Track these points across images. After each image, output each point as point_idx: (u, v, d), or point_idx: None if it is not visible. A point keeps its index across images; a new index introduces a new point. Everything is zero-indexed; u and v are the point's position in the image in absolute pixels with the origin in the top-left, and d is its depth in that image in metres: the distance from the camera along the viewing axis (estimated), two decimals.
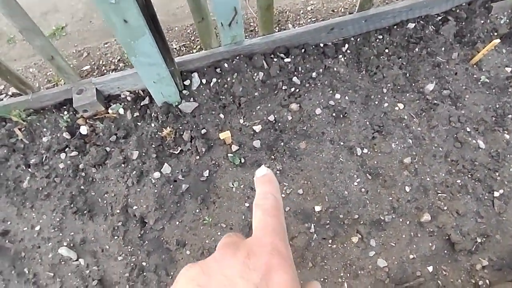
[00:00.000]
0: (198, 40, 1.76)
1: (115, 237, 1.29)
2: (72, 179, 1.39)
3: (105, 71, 1.69)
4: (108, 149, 1.44)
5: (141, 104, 1.53)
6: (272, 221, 0.33)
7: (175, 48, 1.71)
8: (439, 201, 1.33)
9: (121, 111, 1.51)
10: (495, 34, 1.68)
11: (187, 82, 1.52)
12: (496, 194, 1.35)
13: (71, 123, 1.50)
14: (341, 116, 1.48)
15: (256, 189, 0.38)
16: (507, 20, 1.71)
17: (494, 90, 1.56)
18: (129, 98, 1.54)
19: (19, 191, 1.39)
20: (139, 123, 1.49)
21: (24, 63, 1.75)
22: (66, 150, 1.45)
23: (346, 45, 1.64)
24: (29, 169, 1.43)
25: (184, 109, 1.49)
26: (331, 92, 1.52)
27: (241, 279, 0.28)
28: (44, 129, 1.50)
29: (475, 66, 1.61)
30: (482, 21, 1.69)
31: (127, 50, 1.17)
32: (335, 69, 1.57)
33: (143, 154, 1.42)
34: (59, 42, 1.79)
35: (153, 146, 1.43)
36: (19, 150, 1.47)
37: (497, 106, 1.52)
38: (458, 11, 1.72)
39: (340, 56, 1.61)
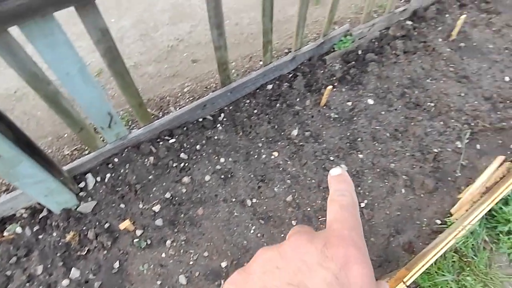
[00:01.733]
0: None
1: None
2: None
3: None
4: (8, 273, 1.43)
5: (40, 217, 1.57)
6: (349, 216, 0.33)
7: (67, 154, 1.81)
8: (321, 225, 1.58)
9: (19, 230, 1.53)
10: (334, 78, 2.14)
11: (82, 184, 1.63)
12: (362, 205, 1.66)
13: None
14: (229, 176, 1.71)
15: (330, 187, 0.37)
16: (340, 66, 2.19)
17: (343, 122, 1.95)
18: (25, 215, 1.57)
19: None
20: (40, 236, 1.52)
21: None
22: None
23: (222, 115, 1.93)
24: None
25: (84, 210, 1.57)
26: (216, 158, 1.76)
27: (320, 267, 0.27)
28: None
29: (325, 107, 2.00)
30: (322, 71, 2.14)
31: (9, 179, 1.26)
32: (215, 137, 1.83)
33: (49, 266, 1.44)
34: None
35: (58, 254, 1.47)
36: None
37: (348, 134, 1.90)
38: (302, 67, 2.15)
39: (218, 125, 1.88)
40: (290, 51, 2.29)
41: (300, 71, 2.13)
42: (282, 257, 0.29)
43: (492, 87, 2.16)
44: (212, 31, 1.57)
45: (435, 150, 1.86)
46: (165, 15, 2.45)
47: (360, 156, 1.82)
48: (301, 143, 1.84)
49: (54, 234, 1.51)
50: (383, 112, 2.00)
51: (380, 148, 1.86)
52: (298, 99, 2.01)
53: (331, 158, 1.80)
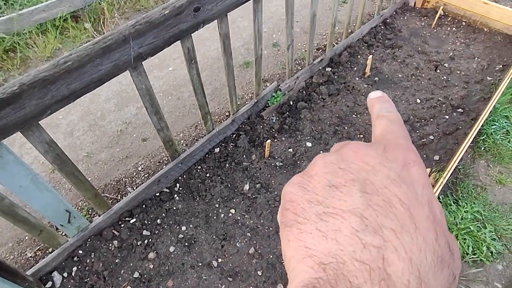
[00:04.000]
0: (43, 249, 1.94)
1: None
2: None
3: None
4: None
5: None
6: (400, 129, 0.33)
7: (31, 256, 1.84)
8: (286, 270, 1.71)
9: None
10: (273, 129, 2.38)
11: (49, 284, 1.65)
12: None
13: None
14: (192, 242, 1.81)
15: (373, 107, 0.37)
16: (277, 118, 2.45)
17: (288, 168, 2.16)
18: None
19: None
20: None
21: None
22: None
23: (177, 185, 2.07)
24: None
25: None
26: (177, 227, 1.87)
27: (383, 166, 0.27)
28: None
29: (269, 158, 2.22)
30: (261, 126, 2.39)
31: None
32: (174, 208, 1.95)
33: None
34: None
35: None
36: None
37: None
38: (243, 126, 2.39)
39: (175, 195, 2.02)
40: (230, 114, 2.55)
41: (242, 130, 2.36)
42: (343, 159, 0.29)
43: (408, 111, 2.51)
44: (151, 117, 1.76)
45: None
46: (111, 102, 2.64)
47: None
48: (254, 196, 2.00)
49: None
50: (321, 151, 2.25)
51: None
52: (244, 156, 2.22)
53: None
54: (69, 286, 1.65)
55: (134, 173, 2.21)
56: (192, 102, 2.66)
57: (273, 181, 2.08)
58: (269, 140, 2.11)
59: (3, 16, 2.99)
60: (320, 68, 2.84)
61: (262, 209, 1.94)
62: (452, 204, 2.00)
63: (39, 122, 1.31)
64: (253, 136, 2.32)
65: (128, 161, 2.28)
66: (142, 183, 2.03)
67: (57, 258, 1.70)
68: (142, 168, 2.24)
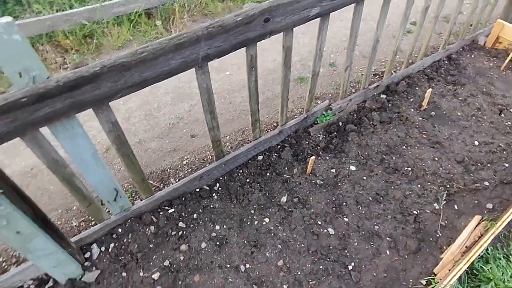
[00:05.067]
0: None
1: None
2: None
3: (5, 266, 1.82)
4: None
5: None
6: None
7: (75, 225, 1.97)
8: None
9: None
10: (318, 147, 2.37)
11: (88, 254, 1.76)
12: (350, 267, 1.76)
13: None
14: (223, 242, 1.84)
15: None
16: (323, 137, 2.44)
17: (328, 188, 2.13)
18: (32, 286, 1.68)
19: None
20: None
21: None
22: None
23: (217, 184, 2.12)
24: None
25: (88, 279, 1.68)
26: (212, 225, 1.91)
27: None
28: None
29: (311, 174, 2.20)
30: (307, 142, 2.39)
31: (23, 252, 1.41)
32: (211, 206, 2.00)
33: None
34: None
35: None
36: None
37: (334, 198, 2.07)
38: (289, 139, 2.40)
39: (214, 194, 2.07)
40: (278, 125, 2.57)
41: (287, 143, 2.38)
42: None
43: (463, 151, 2.38)
44: (206, 115, 1.84)
45: (415, 212, 2.01)
46: (168, 96, 2.79)
47: (346, 219, 1.96)
48: (290, 209, 1.99)
49: None
50: (364, 177, 2.19)
51: (363, 212, 2.01)
52: (286, 168, 2.22)
53: (319, 222, 1.94)
54: (105, 260, 1.74)
55: (179, 166, 2.30)
56: (242, 108, 2.73)
57: (311, 198, 2.06)
58: (313, 157, 2.10)
59: (88, 5, 3.30)
60: (375, 94, 2.79)
61: (297, 224, 1.92)
62: (502, 258, 1.85)
63: (109, 103, 1.43)
64: (297, 150, 2.32)
65: (175, 153, 2.38)
66: (185, 177, 2.11)
67: (98, 232, 1.81)
68: (186, 162, 2.32)
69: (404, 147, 2.40)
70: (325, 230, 1.91)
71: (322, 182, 2.15)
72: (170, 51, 1.41)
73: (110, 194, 1.72)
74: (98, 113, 1.43)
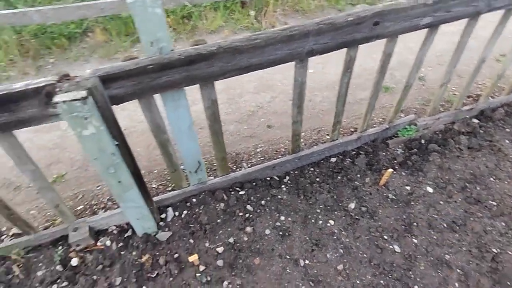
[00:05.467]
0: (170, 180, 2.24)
1: None
2: None
3: (96, 209, 2.07)
4: (95, 277, 1.71)
5: (125, 236, 1.88)
6: None
7: (154, 187, 2.16)
8: None
9: (108, 242, 1.84)
10: (395, 161, 2.29)
11: (163, 215, 1.92)
12: None
13: (64, 256, 1.79)
14: (286, 234, 1.88)
15: None
16: (402, 151, 2.34)
17: (400, 204, 2.05)
18: (115, 231, 1.89)
19: None
20: (122, 252, 1.80)
21: (27, 206, 2.12)
22: (57, 281, 1.70)
23: (287, 177, 2.17)
24: None
25: (161, 237, 1.84)
26: (277, 215, 1.96)
27: None
28: (40, 264, 1.77)
29: (383, 187, 2.14)
30: (384, 153, 2.32)
31: (118, 199, 1.59)
32: (279, 196, 2.05)
33: (125, 279, 1.69)
34: (59, 187, 2.21)
35: (133, 272, 1.72)
36: (14, 286, 1.70)
37: (404, 217, 1.99)
38: (366, 147, 2.35)
39: (283, 186, 2.11)
40: (355, 131, 2.53)
41: (363, 150, 2.33)
42: None
43: None
44: (293, 108, 1.88)
45: (495, 250, 1.85)
46: (251, 84, 2.89)
47: (415, 240, 1.88)
48: (356, 217, 1.96)
49: (134, 253, 1.79)
50: (441, 202, 2.07)
51: (435, 237, 1.90)
52: (358, 175, 2.18)
53: (385, 237, 1.89)
54: (177, 224, 1.89)
55: (252, 152, 2.39)
56: (321, 108, 2.73)
57: (380, 211, 2.00)
58: (391, 170, 2.04)
59: None
60: (467, 117, 2.59)
61: (362, 233, 1.89)
62: None
63: (214, 82, 1.54)
64: (372, 159, 2.27)
65: (250, 140, 2.48)
66: (258, 164, 2.19)
67: (175, 198, 1.96)
68: (260, 150, 2.40)
69: (491, 179, 2.20)
70: (391, 246, 1.85)
71: (394, 197, 2.08)
72: (280, 42, 1.46)
73: (193, 165, 1.85)
74: (203, 89, 1.54)
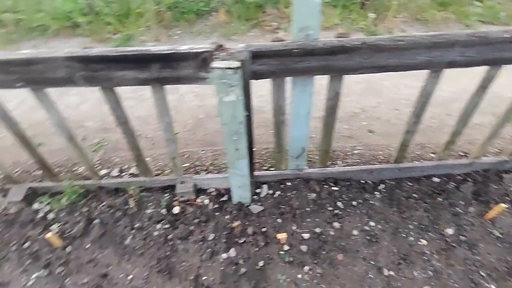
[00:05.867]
0: (268, 160, 2.36)
1: None
2: (161, 245, 1.85)
3: (199, 170, 2.30)
4: (191, 228, 1.92)
5: (221, 200, 2.05)
6: None
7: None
8: None
9: (206, 201, 2.04)
10: (507, 198, 2.07)
11: (258, 190, 2.05)
12: None
13: (169, 203, 2.04)
14: (374, 240, 1.86)
15: None
16: None
17: (506, 245, 1.87)
18: (213, 193, 2.08)
19: (122, 246, 1.86)
20: (216, 213, 1.98)
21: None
22: (161, 222, 1.95)
23: (382, 185, 2.12)
24: (132, 231, 1.92)
25: (253, 210, 1.97)
26: (367, 219, 1.94)
27: None
28: (149, 204, 2.04)
29: (489, 221, 1.96)
30: (495, 186, 2.12)
31: (230, 164, 1.75)
32: (371, 202, 2.02)
33: (216, 237, 1.87)
34: None
35: (224, 233, 1.89)
36: (128, 216, 2.00)
37: (509, 259, 1.81)
38: (475, 175, 2.17)
39: (377, 193, 2.08)
40: (466, 155, 2.35)
41: (471, 178, 2.16)
42: None
43: None
44: (411, 117, 1.83)
45: None
46: (358, 86, 2.86)
47: None
48: (453, 244, 1.85)
49: (227, 216, 1.95)
50: None
51: None
52: (462, 202, 2.04)
53: (482, 273, 1.74)
54: (269, 202, 2.00)
55: (349, 153, 2.39)
56: (430, 124, 2.59)
57: (481, 245, 1.85)
58: (503, 205, 1.86)
59: None
60: None
61: (456, 262, 1.77)
62: None
63: (343, 76, 1.58)
64: (481, 190, 2.09)
65: (349, 140, 2.47)
66: (353, 165, 2.19)
67: (271, 177, 2.08)
68: (357, 152, 2.39)
69: None
70: (487, 285, 1.70)
71: (500, 236, 1.90)
72: (422, 47, 1.44)
73: (297, 151, 1.93)
74: (332, 80, 1.59)
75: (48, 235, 1.82)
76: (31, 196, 2.10)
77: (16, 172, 2.41)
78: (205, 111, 2.82)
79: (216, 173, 2.20)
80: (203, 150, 2.46)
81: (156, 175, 2.21)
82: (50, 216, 2.03)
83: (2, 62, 1.43)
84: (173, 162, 2.00)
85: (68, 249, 1.87)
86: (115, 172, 2.35)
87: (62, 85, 1.51)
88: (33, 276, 1.77)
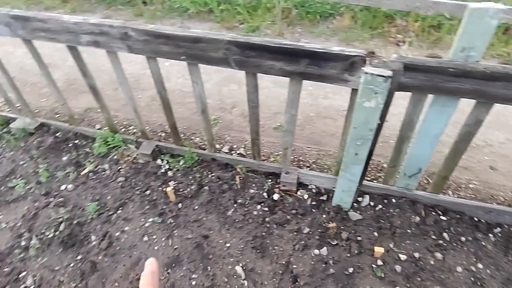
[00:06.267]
0: (372, 172, 2.33)
1: (274, 279, 1.76)
2: (258, 225, 1.99)
3: (301, 165, 2.38)
4: (288, 217, 2.01)
5: (319, 198, 2.11)
6: None
7: None
8: None
9: (305, 196, 2.11)
10: None
11: (359, 199, 2.05)
12: None
13: (270, 189, 2.17)
14: (479, 283, 1.72)
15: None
16: None
17: None
18: (313, 190, 2.14)
19: (224, 216, 2.05)
20: (313, 210, 2.04)
21: None
22: (261, 204, 2.09)
23: (499, 228, 1.93)
24: (235, 205, 2.10)
25: (351, 216, 1.99)
26: (474, 259, 1.80)
27: None
28: (253, 185, 2.20)
29: None
30: None
31: (344, 167, 1.79)
32: (483, 243, 1.86)
33: (310, 232, 1.93)
34: (277, 134, 2.63)
35: (318, 230, 1.94)
36: (233, 190, 2.18)
37: None
38: None
39: (491, 235, 1.90)
40: None
41: None
42: None
43: None
44: None
45: None
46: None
47: None
48: None
49: (323, 216, 2.00)
50: None
51: None
52: None
53: None
54: (368, 212, 1.99)
55: (463, 185, 2.22)
56: None
57: None
58: None
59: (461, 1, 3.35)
60: None
61: None
62: None
63: (493, 104, 1.47)
64: None
65: (464, 172, 2.30)
66: (466, 199, 2.03)
67: (377, 189, 2.05)
68: (472, 187, 2.21)
69: None
70: None
71: None
72: None
73: (413, 170, 1.88)
74: (478, 107, 1.51)
75: (168, 189, 2.11)
76: (157, 152, 2.44)
77: (147, 129, 2.81)
78: (316, 110, 2.89)
79: (317, 171, 2.26)
80: (308, 147, 2.54)
81: (262, 160, 2.36)
82: (169, 173, 2.33)
83: (175, 38, 1.69)
84: (284, 152, 2.11)
85: (180, 205, 2.14)
86: (225, 149, 2.58)
87: (216, 64, 1.71)
88: (150, 219, 2.07)
